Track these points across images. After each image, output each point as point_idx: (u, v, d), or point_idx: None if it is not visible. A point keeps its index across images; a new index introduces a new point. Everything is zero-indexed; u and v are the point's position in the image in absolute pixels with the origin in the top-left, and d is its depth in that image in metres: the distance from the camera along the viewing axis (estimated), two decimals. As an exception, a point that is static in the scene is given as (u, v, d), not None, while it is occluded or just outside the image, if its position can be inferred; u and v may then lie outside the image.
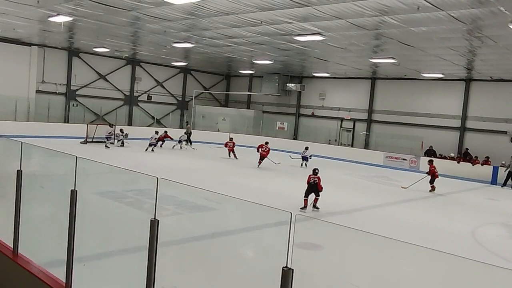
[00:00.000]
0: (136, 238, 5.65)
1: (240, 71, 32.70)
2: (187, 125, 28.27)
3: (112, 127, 23.88)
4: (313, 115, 31.86)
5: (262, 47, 19.67)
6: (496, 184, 20.65)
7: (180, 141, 24.88)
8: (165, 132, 24.53)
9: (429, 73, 23.76)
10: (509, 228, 12.24)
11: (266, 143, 20.68)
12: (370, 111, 28.91)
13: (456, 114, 25.37)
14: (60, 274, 4.88)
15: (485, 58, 18.00)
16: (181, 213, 10.69)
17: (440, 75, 23.91)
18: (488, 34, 13.65)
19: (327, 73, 28.60)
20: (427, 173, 17.65)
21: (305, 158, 21.49)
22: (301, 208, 11.65)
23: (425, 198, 16.30)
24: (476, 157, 22.98)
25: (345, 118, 29.96)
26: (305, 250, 8.29)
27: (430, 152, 24.77)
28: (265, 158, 20.06)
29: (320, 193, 11.88)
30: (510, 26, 11.70)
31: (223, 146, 23.33)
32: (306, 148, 21.81)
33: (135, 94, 31.69)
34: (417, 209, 14.21)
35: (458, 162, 22.41)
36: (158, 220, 3.77)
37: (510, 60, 17.87)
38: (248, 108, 35.65)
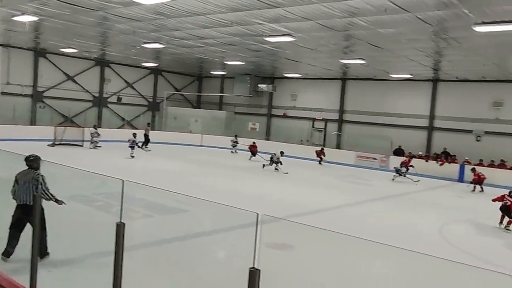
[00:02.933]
0: (104, 242, 5.54)
1: (212, 72, 32.57)
2: (148, 125, 27.50)
3: (96, 128, 23.54)
4: (285, 116, 32.01)
5: (233, 48, 19.64)
6: (463, 182, 21.21)
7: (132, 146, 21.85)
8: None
9: (397, 74, 24.22)
10: (475, 224, 12.57)
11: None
12: (341, 111, 29.26)
13: (424, 114, 25.94)
14: (24, 281, 4.73)
15: (451, 59, 18.47)
16: (151, 216, 10.56)
17: (408, 76, 24.40)
18: (453, 36, 14.00)
19: (298, 73, 28.79)
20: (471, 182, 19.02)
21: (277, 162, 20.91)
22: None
23: (395, 196, 16.60)
24: (453, 155, 23.63)
25: (316, 118, 30.22)
26: (276, 251, 8.31)
27: (399, 152, 25.28)
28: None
29: None
30: (473, 28, 12.04)
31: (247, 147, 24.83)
32: (282, 153, 20.70)
33: (105, 95, 31.12)
34: (388, 207, 14.44)
35: (426, 161, 22.92)
36: (124, 224, 3.69)
37: (474, 61, 18.39)
38: (220, 109, 35.55)
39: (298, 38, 15.85)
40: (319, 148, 25.85)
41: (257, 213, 2.82)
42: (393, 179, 20.14)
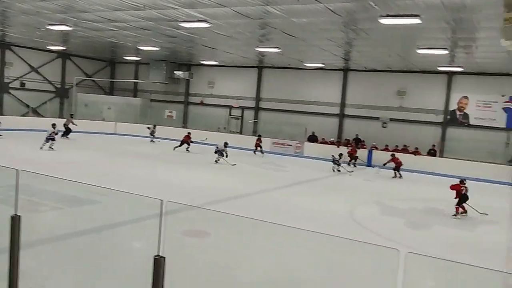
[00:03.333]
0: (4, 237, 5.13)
1: (125, 58, 31.33)
2: (70, 116, 25.86)
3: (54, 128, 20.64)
4: (202, 103, 31.78)
5: (147, 32, 19.01)
6: (371, 166, 22.51)
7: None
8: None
9: (310, 63, 24.99)
10: (381, 206, 13.42)
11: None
12: (258, 99, 29.66)
13: (336, 102, 27.10)
14: None
15: (360, 49, 19.41)
16: (61, 208, 9.99)
17: (321, 65, 25.28)
18: (361, 27, 14.70)
19: (215, 61, 28.64)
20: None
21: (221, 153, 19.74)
22: None
23: (309, 181, 17.21)
24: (362, 141, 24.92)
25: (233, 106, 30.36)
26: (193, 238, 8.27)
27: (313, 138, 26.24)
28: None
29: None
30: (379, 21, 12.71)
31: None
32: (226, 144, 19.71)
33: (6, 80, 28.75)
34: (302, 192, 14.93)
35: (338, 147, 23.99)
36: (19, 216, 3.42)
37: (381, 52, 19.48)
38: (135, 96, 34.40)
39: (213, 24, 15.72)
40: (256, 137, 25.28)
41: (161, 200, 2.74)
42: (333, 170, 19.72)
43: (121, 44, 23.68)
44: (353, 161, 22.46)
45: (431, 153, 23.51)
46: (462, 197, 12.15)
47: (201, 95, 31.89)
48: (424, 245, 9.18)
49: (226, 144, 19.62)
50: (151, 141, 26.17)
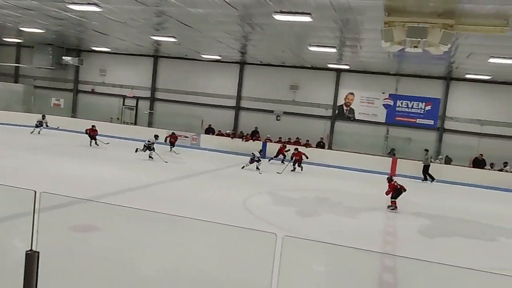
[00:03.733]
0: None
1: (5, 39, 28.47)
2: None
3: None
4: (93, 92, 30.14)
5: (30, 13, 17.45)
6: (265, 158, 23.19)
7: None
8: None
9: (207, 55, 24.96)
10: (273, 195, 13.91)
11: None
12: (153, 89, 28.91)
13: (232, 94, 27.43)
14: None
15: (256, 44, 19.82)
16: None
17: (218, 57, 25.37)
18: (257, 22, 15.01)
19: (107, 48, 27.27)
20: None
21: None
22: None
23: (205, 173, 17.23)
24: (248, 134, 25.40)
25: (127, 95, 29.25)
26: (80, 233, 7.86)
27: (210, 130, 26.30)
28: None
29: None
30: (273, 16, 13.09)
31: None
32: (156, 137, 19.06)
33: None
34: (198, 184, 14.93)
35: (232, 138, 24.34)
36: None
37: (275, 47, 20.10)
38: (16, 82, 31.47)
39: (105, 9, 14.95)
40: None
41: (34, 191, 2.56)
42: (243, 167, 18.67)
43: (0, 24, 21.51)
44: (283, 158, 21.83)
45: (320, 145, 24.89)
46: (397, 191, 13.00)
47: (92, 83, 30.21)
48: (311, 231, 9.72)
49: (156, 137, 19.15)
50: (38, 132, 23.74)
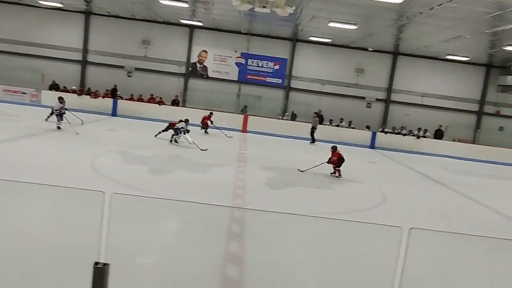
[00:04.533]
0: None
1: None
2: None
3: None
4: None
5: None
6: (116, 116, 22.16)
7: None
8: None
9: (46, 1, 22.39)
10: (124, 154, 13.43)
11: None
12: (-18, 38, 25.16)
13: (78, 47, 25.32)
14: None
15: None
16: None
17: (59, 5, 22.94)
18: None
19: None
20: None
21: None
22: None
23: (44, 132, 15.78)
24: (97, 91, 23.84)
25: None
26: None
27: (54, 86, 24.00)
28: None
29: None
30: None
31: None
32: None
33: None
34: (40, 144, 13.69)
35: (79, 95, 22.69)
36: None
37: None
38: None
39: None
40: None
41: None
42: (171, 141, 16.55)
43: None
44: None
45: (176, 103, 24.62)
46: (341, 160, 13.40)
47: None
48: (161, 189, 9.69)
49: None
50: None
